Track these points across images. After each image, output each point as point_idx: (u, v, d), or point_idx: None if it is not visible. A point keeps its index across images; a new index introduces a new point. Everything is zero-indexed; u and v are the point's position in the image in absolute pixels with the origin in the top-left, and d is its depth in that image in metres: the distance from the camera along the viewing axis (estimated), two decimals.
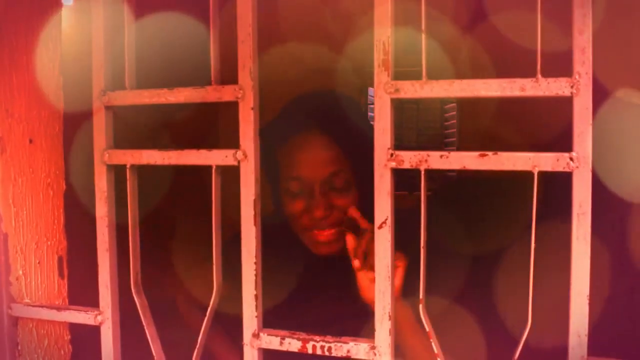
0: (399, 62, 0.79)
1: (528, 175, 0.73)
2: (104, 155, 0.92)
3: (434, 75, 0.76)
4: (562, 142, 0.74)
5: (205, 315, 0.88)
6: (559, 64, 0.75)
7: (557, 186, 0.79)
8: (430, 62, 0.76)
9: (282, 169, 1.17)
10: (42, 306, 1.01)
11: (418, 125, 3.30)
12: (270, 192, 1.23)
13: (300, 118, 1.16)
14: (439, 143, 3.31)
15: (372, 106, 1.49)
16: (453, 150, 3.08)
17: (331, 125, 1.13)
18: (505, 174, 0.77)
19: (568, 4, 0.70)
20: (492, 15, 2.11)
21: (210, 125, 2.34)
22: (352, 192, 1.15)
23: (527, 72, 0.74)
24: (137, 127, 1.23)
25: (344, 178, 1.13)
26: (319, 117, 1.14)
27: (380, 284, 0.80)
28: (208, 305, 0.88)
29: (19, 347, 1.04)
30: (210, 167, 0.86)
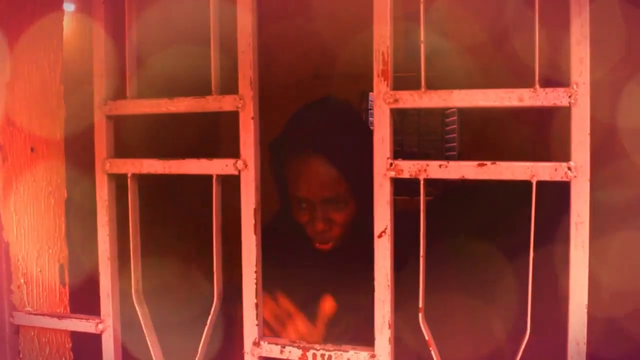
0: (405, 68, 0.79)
1: (528, 182, 0.74)
2: (105, 164, 0.93)
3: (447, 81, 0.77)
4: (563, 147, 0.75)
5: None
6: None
7: (559, 192, 0.80)
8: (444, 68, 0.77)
9: (288, 182, 1.27)
10: (43, 314, 1.02)
11: (419, 131, 3.31)
12: (279, 196, 1.34)
13: (299, 139, 1.24)
14: (440, 148, 3.32)
15: (372, 111, 1.51)
16: (454, 155, 3.08)
17: (328, 147, 1.21)
18: (507, 180, 0.77)
19: (565, 14, 0.71)
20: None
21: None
22: (350, 207, 1.24)
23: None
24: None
25: (342, 197, 1.22)
26: (317, 139, 1.22)
27: (380, 292, 0.80)
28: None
29: (21, 356, 1.04)
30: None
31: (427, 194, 0.78)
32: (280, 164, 1.27)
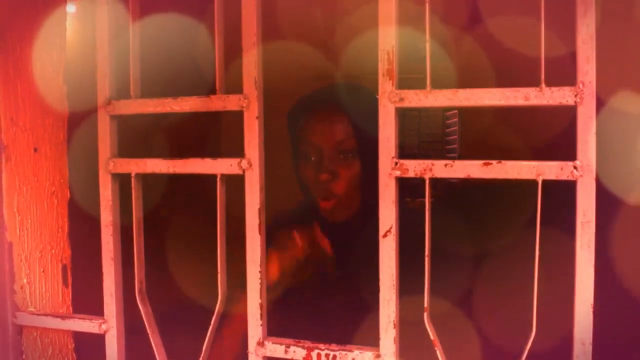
0: (402, 69, 0.79)
1: (532, 182, 0.74)
2: (109, 164, 0.93)
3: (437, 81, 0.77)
4: (565, 146, 0.75)
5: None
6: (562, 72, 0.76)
7: (562, 192, 0.80)
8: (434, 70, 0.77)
9: (300, 135, 1.31)
10: (46, 315, 1.02)
11: (420, 132, 3.30)
12: (294, 164, 1.38)
13: (320, 97, 1.32)
14: (441, 149, 3.31)
15: None
16: (454, 156, 3.08)
17: (344, 104, 1.27)
18: (509, 180, 0.77)
19: (572, 13, 0.71)
20: (495, 24, 2.12)
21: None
22: (355, 164, 1.26)
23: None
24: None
25: (349, 147, 1.25)
26: (336, 97, 1.29)
27: (385, 292, 0.80)
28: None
29: (24, 356, 1.04)
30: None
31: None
32: (296, 128, 1.32)
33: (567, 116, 0.76)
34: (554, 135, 1.56)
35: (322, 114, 1.28)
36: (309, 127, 1.29)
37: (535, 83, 0.73)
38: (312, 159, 1.28)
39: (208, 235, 1.06)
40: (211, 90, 0.87)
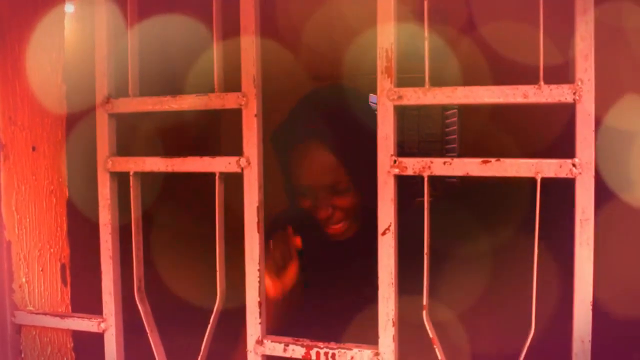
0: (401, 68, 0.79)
1: (530, 181, 0.73)
2: (107, 162, 0.93)
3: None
4: (564, 146, 0.75)
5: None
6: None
7: (560, 192, 0.79)
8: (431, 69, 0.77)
9: (290, 171, 1.29)
10: (45, 314, 1.01)
11: (420, 132, 3.30)
12: (284, 185, 1.36)
13: (303, 126, 1.26)
14: (440, 149, 3.31)
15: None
16: (454, 155, 3.08)
17: (330, 136, 1.22)
18: (508, 180, 0.77)
19: (570, 11, 0.71)
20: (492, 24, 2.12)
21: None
22: (351, 192, 1.25)
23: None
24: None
25: (343, 183, 1.24)
26: (320, 128, 1.23)
27: (384, 290, 0.80)
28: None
29: (22, 355, 1.04)
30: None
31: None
32: (282, 154, 1.29)
33: (567, 115, 0.76)
34: (554, 135, 1.56)
35: (310, 156, 1.24)
36: (299, 169, 1.26)
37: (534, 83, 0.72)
38: (307, 193, 1.27)
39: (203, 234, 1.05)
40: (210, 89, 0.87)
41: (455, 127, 3.04)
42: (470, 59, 2.26)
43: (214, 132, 2.42)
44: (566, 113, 0.75)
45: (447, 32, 2.30)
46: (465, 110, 2.46)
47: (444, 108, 3.27)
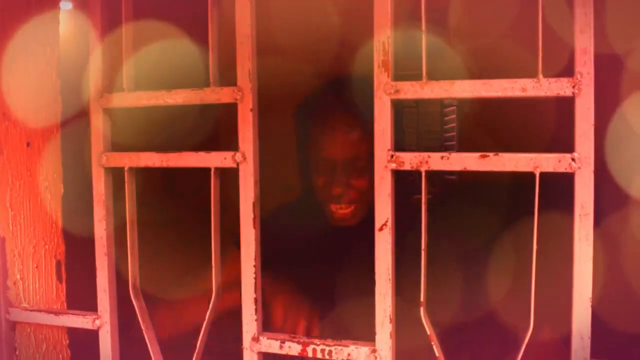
0: (398, 66, 0.78)
1: (529, 178, 0.73)
2: (102, 158, 0.92)
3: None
4: (564, 144, 0.74)
5: None
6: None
7: (559, 188, 0.79)
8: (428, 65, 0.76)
9: (311, 145, 1.28)
10: (40, 310, 1.00)
11: (419, 129, 3.29)
12: (299, 164, 1.37)
13: (328, 100, 1.27)
14: (439, 146, 3.30)
15: None
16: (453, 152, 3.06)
17: (354, 108, 1.22)
18: (507, 177, 0.77)
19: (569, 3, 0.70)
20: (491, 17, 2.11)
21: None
22: (368, 175, 1.21)
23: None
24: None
25: (363, 161, 1.23)
26: (345, 99, 1.24)
27: (381, 286, 0.79)
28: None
29: (17, 352, 1.03)
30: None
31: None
32: (304, 128, 1.30)
33: (567, 110, 0.75)
34: (553, 131, 1.55)
35: (334, 126, 1.24)
36: (321, 140, 1.26)
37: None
38: (325, 169, 1.26)
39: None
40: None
41: (454, 125, 3.02)
42: (468, 56, 2.26)
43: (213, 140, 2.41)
44: (566, 108, 0.74)
45: (444, 29, 2.29)
46: (464, 108, 2.45)
47: (443, 105, 3.26)
